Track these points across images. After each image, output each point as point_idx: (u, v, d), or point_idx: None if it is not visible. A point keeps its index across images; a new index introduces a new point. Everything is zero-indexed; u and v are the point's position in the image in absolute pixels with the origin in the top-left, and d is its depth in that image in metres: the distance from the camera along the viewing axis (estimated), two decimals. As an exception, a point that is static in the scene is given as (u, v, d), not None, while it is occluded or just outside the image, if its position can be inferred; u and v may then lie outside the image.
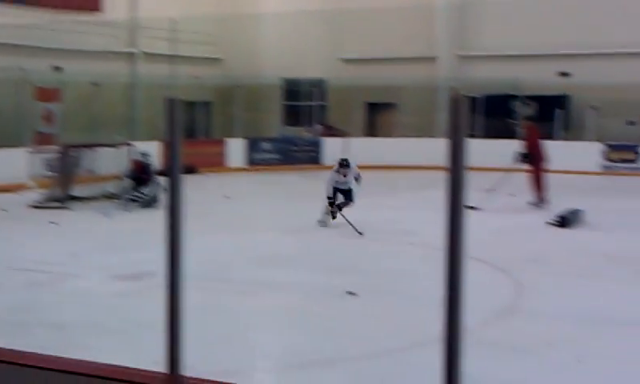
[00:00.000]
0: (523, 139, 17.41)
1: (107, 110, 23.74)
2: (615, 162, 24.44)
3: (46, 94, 22.23)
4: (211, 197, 18.38)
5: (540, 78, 25.58)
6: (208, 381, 2.43)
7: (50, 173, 18.12)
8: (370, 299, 8.92)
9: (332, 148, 25.75)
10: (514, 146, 17.20)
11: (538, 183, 16.77)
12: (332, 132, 27.62)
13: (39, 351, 2.69)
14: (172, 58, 25.93)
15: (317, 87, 28.48)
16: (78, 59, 23.11)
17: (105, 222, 14.78)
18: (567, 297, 9.12)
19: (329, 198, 14.10)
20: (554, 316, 8.21)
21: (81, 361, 2.74)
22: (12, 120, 21.01)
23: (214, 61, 29.26)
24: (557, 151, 24.13)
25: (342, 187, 14.24)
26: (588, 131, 25.19)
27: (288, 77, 28.91)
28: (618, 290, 9.48)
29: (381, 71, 27.63)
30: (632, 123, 24.88)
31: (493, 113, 24.67)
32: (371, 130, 29.55)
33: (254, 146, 25.67)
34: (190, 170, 21.83)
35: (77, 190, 17.18)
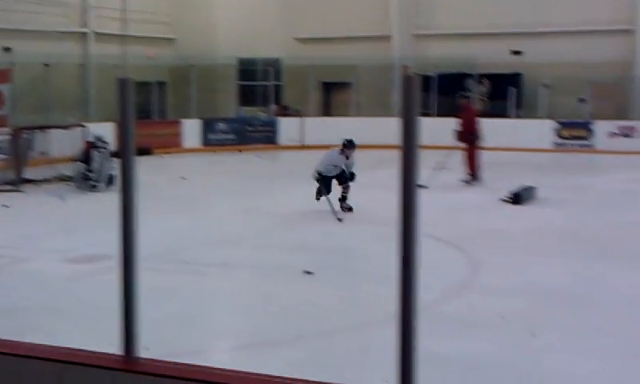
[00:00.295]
0: (459, 117, 17.57)
1: (59, 91, 23.39)
2: (567, 139, 24.76)
3: (-4, 75, 21.83)
4: (167, 178, 18.28)
5: (493, 57, 25.79)
6: (163, 361, 2.43)
7: (1, 155, 17.83)
8: (327, 278, 8.95)
9: (287, 128, 25.74)
10: (452, 124, 17.30)
11: (471, 161, 16.94)
12: (287, 112, 27.58)
13: (-8, 335, 2.67)
14: (124, 38, 25.62)
15: (272, 67, 28.37)
16: (28, 39, 22.74)
17: (58, 204, 14.60)
18: (521, 272, 9.24)
19: (318, 174, 13.25)
20: (508, 291, 8.32)
21: (35, 344, 2.73)
22: (-39, 102, 20.63)
23: (168, 41, 28.99)
24: (510, 129, 24.54)
25: (347, 169, 13.48)
26: (540, 109, 25.48)
27: (243, 56, 28.73)
28: (571, 265, 9.63)
29: (336, 50, 27.61)
30: (583, 100, 25.21)
31: (447, 91, 24.79)
32: (326, 110, 29.55)
33: (209, 126, 25.52)
34: (145, 151, 21.64)
35: (29, 173, 16.93)
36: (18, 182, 16.52)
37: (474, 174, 16.88)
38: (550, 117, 25.07)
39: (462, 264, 9.70)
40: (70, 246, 10.68)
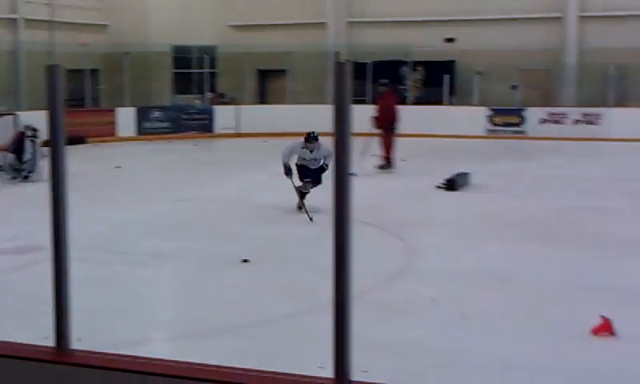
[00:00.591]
0: (377, 104, 17.76)
1: (-12, 79, 22.89)
2: (500, 125, 25.15)
3: None
4: (102, 167, 18.04)
5: (428, 44, 26.04)
6: (97, 353, 2.41)
7: None
8: (263, 266, 8.95)
9: (223, 116, 25.60)
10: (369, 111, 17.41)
11: (387, 147, 17.13)
12: (223, 100, 27.43)
13: None
14: (55, 25, 25.15)
15: (207, 54, 28.15)
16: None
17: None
18: (456, 258, 9.37)
19: (286, 167, 11.98)
20: (442, 277, 8.43)
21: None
22: None
23: (101, 27, 28.54)
24: (444, 116, 24.83)
25: (310, 166, 12.25)
26: (474, 96, 25.82)
27: (177, 44, 28.45)
28: (504, 250, 9.81)
29: (271, 38, 27.56)
30: (515, 87, 25.62)
31: (382, 78, 24.93)
32: (262, 97, 29.48)
33: (144, 114, 25.21)
34: (79, 140, 21.31)
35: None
36: (-54, 172, 16.12)
37: (389, 159, 17.08)
38: (483, 104, 25.43)
39: (397, 250, 9.79)
40: (2, 237, 10.47)
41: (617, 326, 6.37)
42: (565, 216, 11.97)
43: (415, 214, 12.14)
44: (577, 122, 24.47)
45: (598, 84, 25.24)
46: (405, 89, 26.43)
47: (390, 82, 19.58)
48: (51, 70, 2.34)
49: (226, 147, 23.26)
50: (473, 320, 6.90)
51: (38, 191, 12.77)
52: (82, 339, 2.72)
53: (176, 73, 29.20)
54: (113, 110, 24.89)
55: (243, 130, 24.75)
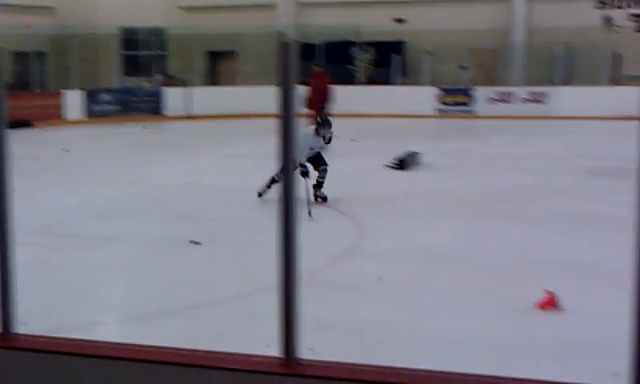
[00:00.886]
0: (310, 84, 17.82)
1: None
2: (449, 105, 25.38)
3: None
4: (49, 151, 17.79)
5: (377, 25, 26.11)
6: (42, 337, 2.39)
7: None
8: (213, 248, 8.94)
9: (173, 98, 25.41)
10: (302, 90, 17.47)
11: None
12: (173, 81, 27.21)
13: None
14: None
15: (156, 36, 27.89)
16: None
17: None
18: (406, 236, 9.45)
19: (302, 167, 10.65)
20: (392, 255, 8.50)
21: None
22: None
23: (47, 9, 28.04)
24: (394, 96, 24.97)
25: (321, 150, 11.51)
26: (423, 76, 25.98)
27: (125, 25, 28.11)
28: (455, 228, 9.93)
29: (221, 19, 27.39)
30: (464, 67, 25.86)
31: (332, 59, 24.97)
32: (212, 79, 29.32)
33: (92, 97, 24.91)
34: (25, 123, 21.00)
35: None
36: None
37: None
38: (432, 84, 25.62)
39: (348, 230, 9.83)
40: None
41: (562, 300, 6.49)
42: (514, 194, 12.12)
43: (365, 194, 12.19)
44: (525, 100, 24.79)
45: (546, 63, 25.59)
46: (355, 69, 26.51)
47: (318, 63, 19.66)
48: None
49: (176, 129, 23.08)
50: (421, 297, 6.98)
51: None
52: (28, 324, 2.71)
53: (125, 55, 28.87)
54: (59, 93, 24.54)
55: (194, 112, 24.59)
